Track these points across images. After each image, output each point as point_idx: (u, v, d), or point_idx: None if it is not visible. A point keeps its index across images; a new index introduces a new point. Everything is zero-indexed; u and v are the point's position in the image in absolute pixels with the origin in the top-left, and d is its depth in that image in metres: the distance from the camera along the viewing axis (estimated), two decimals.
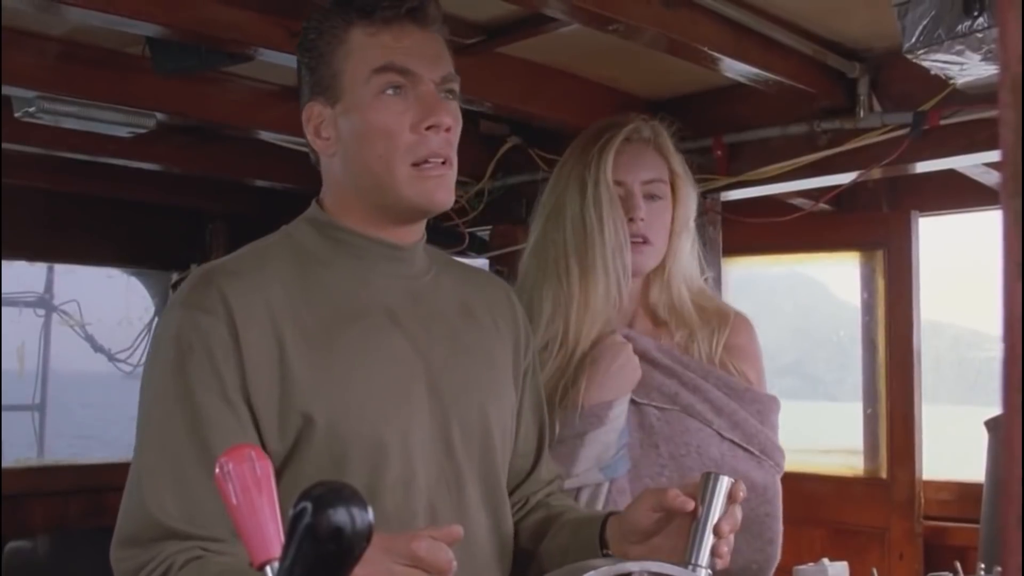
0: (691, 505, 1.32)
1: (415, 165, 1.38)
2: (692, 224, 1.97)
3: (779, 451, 1.91)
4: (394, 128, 1.37)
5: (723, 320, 1.94)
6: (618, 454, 1.83)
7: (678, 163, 1.95)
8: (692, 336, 1.92)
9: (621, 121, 1.93)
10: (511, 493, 1.57)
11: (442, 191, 1.40)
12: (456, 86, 1.44)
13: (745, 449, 1.87)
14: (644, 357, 1.88)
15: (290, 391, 1.31)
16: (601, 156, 1.87)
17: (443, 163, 1.40)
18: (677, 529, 1.34)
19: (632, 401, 1.86)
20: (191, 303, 1.33)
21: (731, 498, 1.34)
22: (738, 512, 1.35)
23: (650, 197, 1.89)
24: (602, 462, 1.82)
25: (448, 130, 1.40)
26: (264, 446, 1.28)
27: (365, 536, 0.67)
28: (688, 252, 1.96)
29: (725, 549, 1.33)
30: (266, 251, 1.43)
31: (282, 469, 1.28)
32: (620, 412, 1.83)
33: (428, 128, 1.38)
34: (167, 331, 1.34)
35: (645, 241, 1.88)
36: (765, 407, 1.92)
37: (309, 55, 1.43)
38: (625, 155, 1.89)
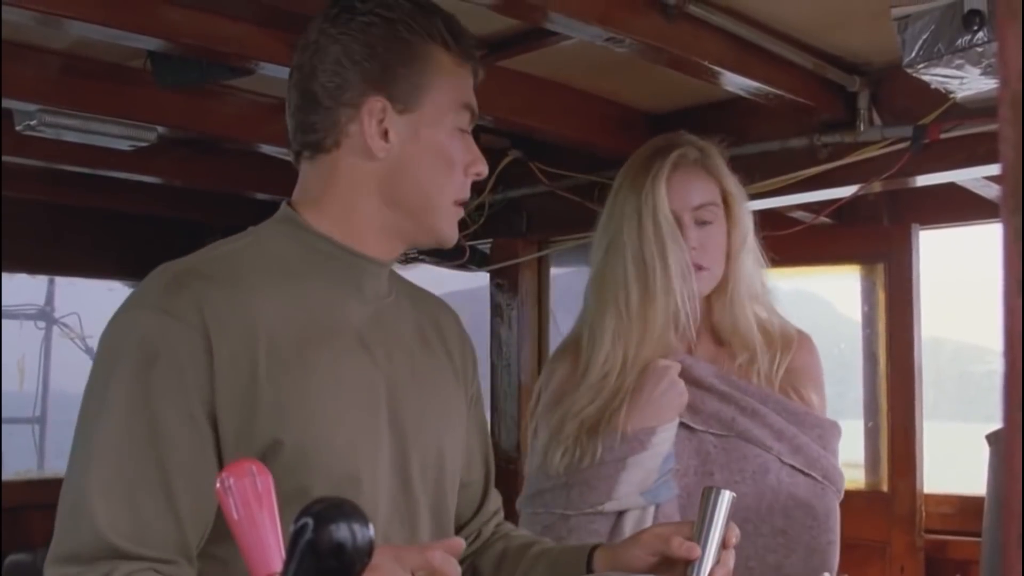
0: (697, 552, 1.33)
1: (454, 203, 1.41)
2: (752, 241, 1.93)
3: (840, 476, 1.90)
4: (457, 164, 1.39)
5: (787, 343, 1.92)
6: (660, 479, 1.81)
7: (731, 183, 1.92)
8: (753, 359, 1.90)
9: (668, 145, 1.90)
10: (464, 526, 1.56)
11: (457, 231, 1.44)
12: None
13: (806, 474, 1.86)
14: (701, 384, 1.87)
15: (258, 413, 1.23)
16: (654, 187, 1.84)
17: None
18: (672, 567, 1.36)
19: (689, 428, 1.85)
20: (160, 306, 1.23)
21: (724, 544, 1.36)
22: (735, 531, 1.38)
23: (701, 223, 1.87)
24: (644, 487, 1.80)
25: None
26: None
27: (366, 552, 0.67)
28: (750, 270, 1.93)
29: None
30: (238, 257, 1.35)
31: None
32: (664, 438, 1.82)
33: (474, 174, 1.42)
34: (128, 333, 1.24)
35: (699, 268, 1.87)
36: (826, 432, 1.90)
37: (388, 46, 1.34)
38: (672, 181, 1.86)
